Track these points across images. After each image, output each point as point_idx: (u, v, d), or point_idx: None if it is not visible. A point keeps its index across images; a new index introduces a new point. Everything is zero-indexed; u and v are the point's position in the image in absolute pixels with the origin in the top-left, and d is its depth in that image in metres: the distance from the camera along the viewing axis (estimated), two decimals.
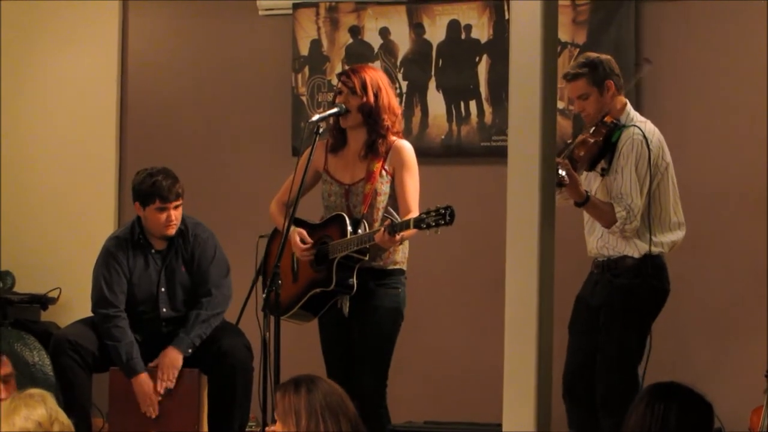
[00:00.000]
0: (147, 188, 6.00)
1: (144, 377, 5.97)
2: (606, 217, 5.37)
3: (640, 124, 5.45)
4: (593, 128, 5.42)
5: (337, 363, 5.44)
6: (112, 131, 7.68)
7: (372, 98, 5.35)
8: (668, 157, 5.47)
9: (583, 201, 5.35)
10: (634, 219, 5.34)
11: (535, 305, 3.71)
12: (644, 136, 5.37)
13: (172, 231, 6.04)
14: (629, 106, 5.54)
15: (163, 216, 6.01)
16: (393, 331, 5.37)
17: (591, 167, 5.43)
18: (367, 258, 5.26)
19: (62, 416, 3.63)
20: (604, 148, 5.39)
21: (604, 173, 5.45)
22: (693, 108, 6.61)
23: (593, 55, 5.59)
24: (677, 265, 5.62)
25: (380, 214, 5.34)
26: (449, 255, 6.96)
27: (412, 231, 5.15)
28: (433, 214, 5.04)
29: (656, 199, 5.42)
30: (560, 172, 5.17)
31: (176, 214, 6.03)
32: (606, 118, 5.43)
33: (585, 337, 5.49)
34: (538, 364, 3.69)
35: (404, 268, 5.40)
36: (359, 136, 5.41)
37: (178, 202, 6.02)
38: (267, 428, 3.79)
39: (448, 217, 5.02)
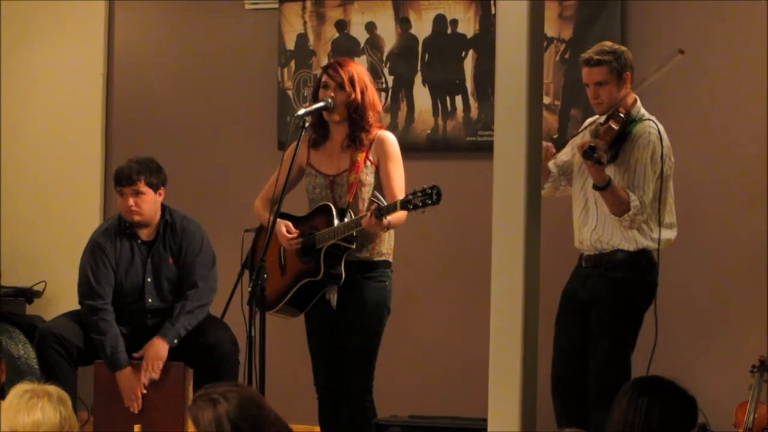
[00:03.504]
0: (114, 173, 6.12)
1: (128, 371, 5.98)
2: (621, 204, 5.30)
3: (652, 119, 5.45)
4: (610, 117, 5.37)
5: (323, 357, 5.43)
6: (98, 126, 7.67)
7: (359, 95, 5.34)
8: (673, 157, 5.46)
9: (605, 185, 5.27)
10: (645, 210, 5.31)
11: (521, 300, 3.71)
12: (659, 132, 5.36)
13: (134, 217, 6.05)
14: (639, 102, 5.50)
15: (122, 200, 6.04)
16: (380, 325, 5.36)
17: None
18: (354, 246, 5.24)
19: (71, 425, 3.44)
20: (619, 138, 5.37)
21: (611, 162, 5.37)
22: (678, 105, 6.62)
23: (614, 44, 5.54)
24: (664, 259, 5.63)
25: (365, 204, 5.32)
26: (435, 249, 6.96)
27: (400, 216, 5.13)
28: (420, 194, 5.00)
29: (659, 196, 5.40)
30: (599, 150, 5.14)
31: (137, 201, 6.03)
32: (620, 110, 5.40)
33: (574, 332, 5.47)
34: (523, 359, 3.70)
35: (390, 260, 5.39)
36: (342, 128, 5.39)
37: (135, 188, 6.02)
38: None
39: (434, 197, 4.98)
